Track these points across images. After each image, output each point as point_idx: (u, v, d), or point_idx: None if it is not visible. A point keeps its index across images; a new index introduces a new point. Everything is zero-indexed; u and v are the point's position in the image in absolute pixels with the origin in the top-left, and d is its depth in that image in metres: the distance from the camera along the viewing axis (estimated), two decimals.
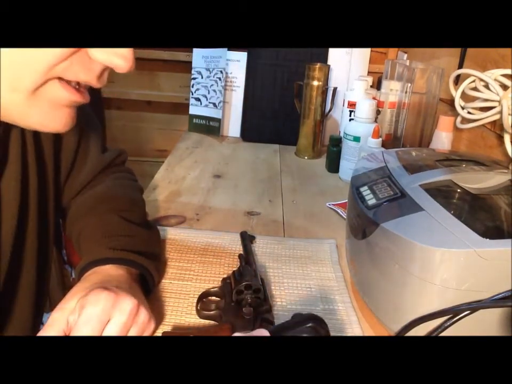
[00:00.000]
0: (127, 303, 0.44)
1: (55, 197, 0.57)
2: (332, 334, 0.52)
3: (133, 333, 0.44)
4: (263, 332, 0.35)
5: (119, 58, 0.36)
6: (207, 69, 1.28)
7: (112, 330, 0.42)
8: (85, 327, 0.41)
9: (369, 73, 1.30)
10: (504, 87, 0.70)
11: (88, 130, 0.62)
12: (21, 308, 0.53)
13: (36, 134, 0.52)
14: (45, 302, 0.59)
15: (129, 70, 0.37)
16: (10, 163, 0.48)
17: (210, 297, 0.56)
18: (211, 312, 0.53)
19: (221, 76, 1.25)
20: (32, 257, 0.53)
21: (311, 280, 0.62)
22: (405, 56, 1.27)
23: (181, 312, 0.54)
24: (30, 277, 0.53)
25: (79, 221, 0.59)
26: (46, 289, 0.60)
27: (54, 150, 0.55)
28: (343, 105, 1.14)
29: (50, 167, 0.55)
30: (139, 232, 0.58)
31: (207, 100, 1.28)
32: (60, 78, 0.36)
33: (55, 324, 0.43)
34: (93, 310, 0.42)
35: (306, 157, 1.15)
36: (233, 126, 1.29)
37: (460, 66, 0.88)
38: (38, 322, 0.58)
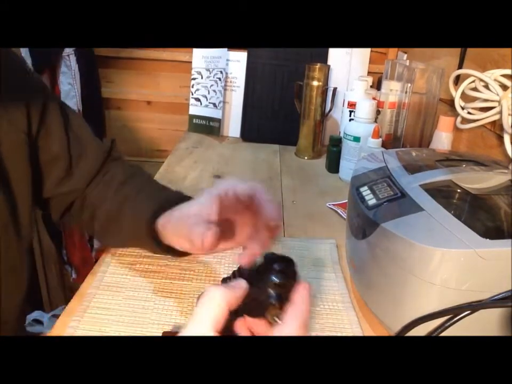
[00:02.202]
0: None
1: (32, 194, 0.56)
2: (332, 334, 0.52)
3: None
4: (241, 282, 0.35)
5: None
6: (207, 69, 1.28)
7: None
8: None
9: (369, 73, 1.30)
10: (504, 87, 0.70)
11: (72, 122, 0.61)
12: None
13: None
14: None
15: None
16: None
17: None
18: None
19: (221, 76, 1.25)
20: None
21: (311, 280, 0.62)
22: (405, 56, 1.27)
23: (181, 312, 0.54)
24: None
25: (113, 197, 0.58)
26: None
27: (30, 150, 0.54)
28: (343, 105, 1.14)
29: (24, 172, 0.54)
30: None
31: (207, 100, 1.28)
32: None
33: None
34: None
35: (306, 157, 1.15)
36: (233, 126, 1.29)
37: (460, 66, 0.88)
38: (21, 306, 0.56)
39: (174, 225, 0.49)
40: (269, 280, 0.35)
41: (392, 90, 1.06)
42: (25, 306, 0.57)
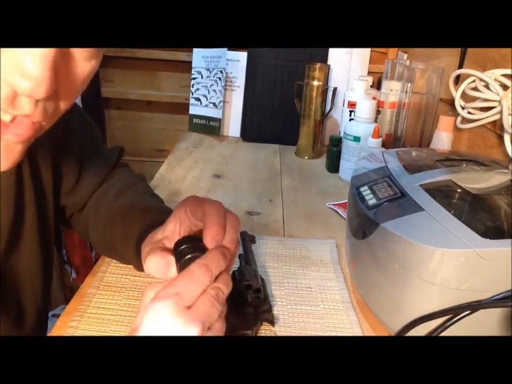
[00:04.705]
0: None
1: (55, 206, 0.57)
2: (332, 334, 0.52)
3: None
4: None
5: (21, 78, 0.28)
6: (207, 69, 1.28)
7: None
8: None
9: (369, 73, 1.30)
10: (504, 87, 0.70)
11: (89, 134, 0.63)
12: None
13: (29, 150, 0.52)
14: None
15: (38, 94, 0.29)
16: (3, 178, 0.48)
17: None
18: None
19: (221, 76, 1.25)
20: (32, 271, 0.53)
21: (311, 280, 0.62)
22: (405, 56, 1.27)
23: None
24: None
25: (108, 207, 0.59)
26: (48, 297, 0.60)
27: (52, 162, 0.55)
28: (343, 105, 1.14)
29: (48, 182, 0.55)
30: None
31: (207, 99, 1.28)
32: None
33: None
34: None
35: (306, 157, 1.15)
36: (233, 126, 1.29)
37: (460, 66, 0.88)
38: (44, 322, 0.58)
39: (144, 255, 0.50)
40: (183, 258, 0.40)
41: (392, 90, 1.06)
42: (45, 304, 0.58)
